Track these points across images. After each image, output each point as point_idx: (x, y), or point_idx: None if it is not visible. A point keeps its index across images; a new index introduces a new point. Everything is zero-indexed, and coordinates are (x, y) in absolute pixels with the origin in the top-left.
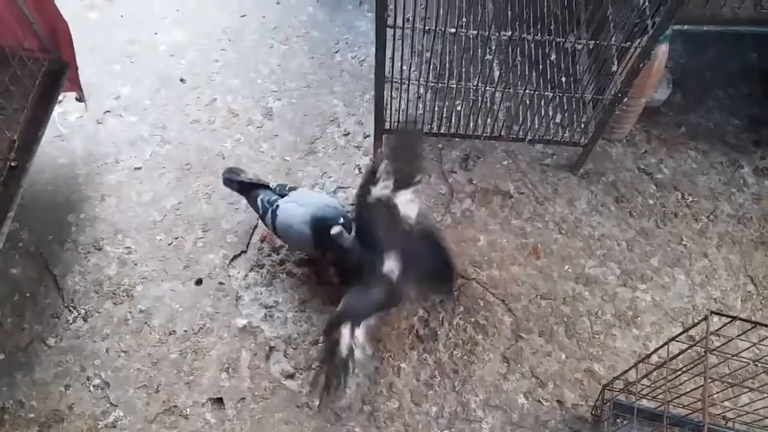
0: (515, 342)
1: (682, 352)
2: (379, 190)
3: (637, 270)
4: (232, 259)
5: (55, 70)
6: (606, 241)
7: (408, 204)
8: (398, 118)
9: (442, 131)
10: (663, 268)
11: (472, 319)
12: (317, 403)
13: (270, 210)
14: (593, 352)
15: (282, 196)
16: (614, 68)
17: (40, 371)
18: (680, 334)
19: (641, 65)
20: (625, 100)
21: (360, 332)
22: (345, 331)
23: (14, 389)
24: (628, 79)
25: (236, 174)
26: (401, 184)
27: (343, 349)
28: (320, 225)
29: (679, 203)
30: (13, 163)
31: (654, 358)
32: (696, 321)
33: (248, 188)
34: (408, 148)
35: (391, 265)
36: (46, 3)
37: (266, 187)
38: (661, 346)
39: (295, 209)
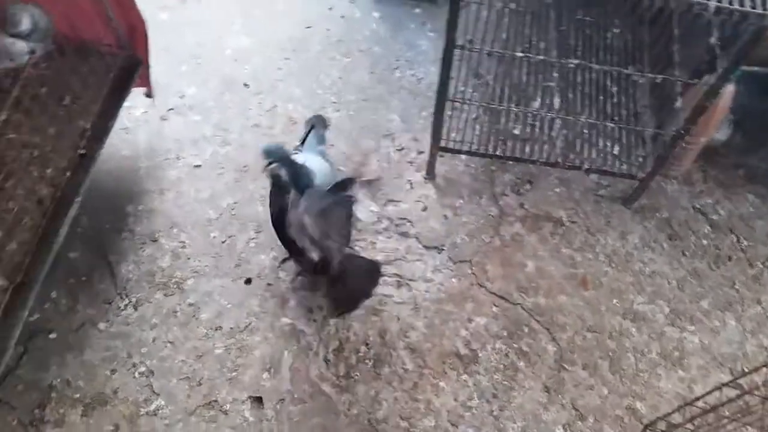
0: (557, 372)
1: (731, 399)
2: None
3: (687, 311)
4: (282, 262)
5: (128, 66)
6: (656, 278)
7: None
8: (455, 137)
9: (497, 153)
10: (713, 311)
11: (515, 345)
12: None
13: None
14: (636, 390)
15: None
16: (678, 104)
17: (89, 353)
18: (732, 381)
19: (708, 104)
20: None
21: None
22: None
23: (63, 368)
24: (693, 116)
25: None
26: None
27: None
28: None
29: (734, 246)
30: (82, 151)
31: (699, 403)
32: (745, 369)
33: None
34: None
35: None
36: (126, 3)
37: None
38: (711, 392)
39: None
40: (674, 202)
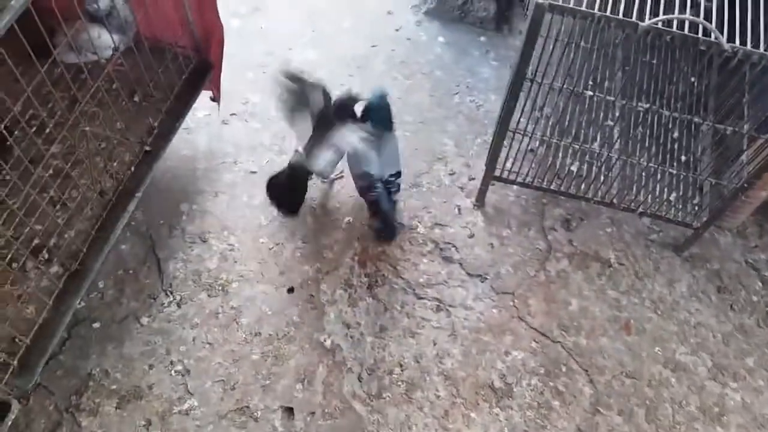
0: (592, 416)
1: None
2: None
3: (731, 366)
4: (325, 274)
5: (201, 69)
6: (701, 330)
7: None
8: (509, 167)
9: (551, 188)
10: (758, 369)
11: (551, 383)
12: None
13: None
14: None
15: None
16: (743, 158)
17: (129, 346)
18: None
19: None
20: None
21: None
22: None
23: (103, 358)
24: (759, 171)
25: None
26: None
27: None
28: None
29: None
30: (148, 148)
31: None
32: None
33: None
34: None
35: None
36: (207, 8)
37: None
38: None
39: None
40: (726, 255)
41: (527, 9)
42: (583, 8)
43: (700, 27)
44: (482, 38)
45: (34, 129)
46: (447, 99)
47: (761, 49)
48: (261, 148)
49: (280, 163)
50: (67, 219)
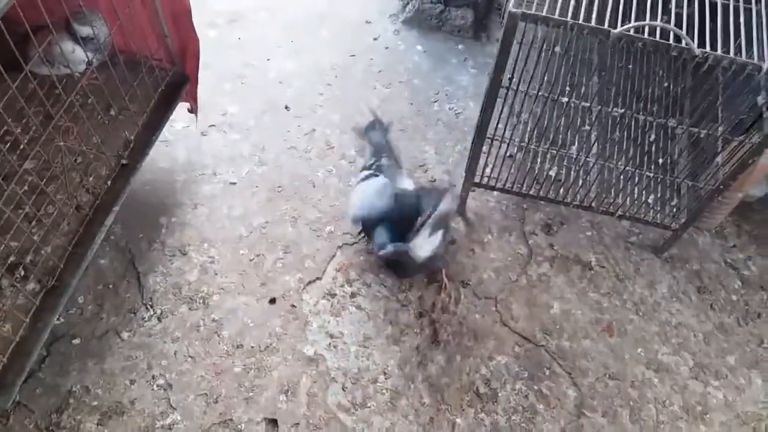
0: (577, 418)
1: None
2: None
3: (712, 365)
4: (307, 284)
5: (177, 81)
6: (683, 330)
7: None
8: (489, 173)
9: (531, 193)
10: (739, 368)
11: (535, 387)
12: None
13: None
14: None
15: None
16: (718, 159)
17: (110, 362)
18: None
19: (750, 161)
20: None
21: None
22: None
23: (84, 374)
24: (733, 172)
25: (379, 129)
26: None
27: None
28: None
29: (764, 304)
30: (125, 161)
31: None
32: None
33: (378, 147)
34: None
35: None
36: (183, 21)
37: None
38: None
39: (372, 198)
40: (705, 255)
41: (503, 17)
42: (556, 17)
43: (671, 33)
44: (460, 46)
45: (8, 145)
46: (426, 107)
47: (731, 54)
48: (240, 159)
49: (260, 174)
50: (43, 235)
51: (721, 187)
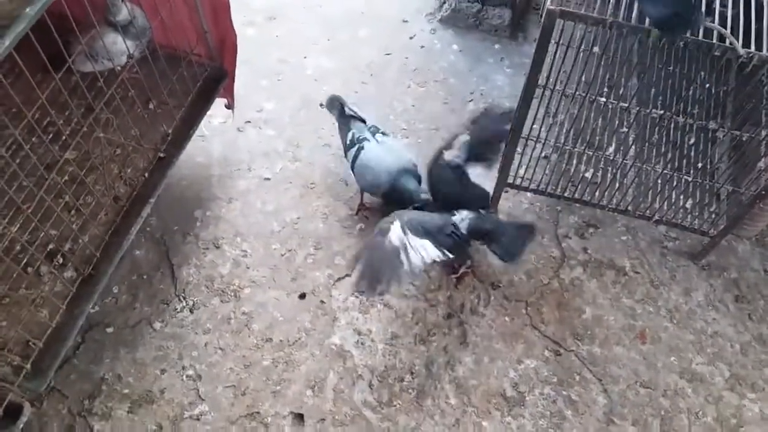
0: (606, 426)
1: None
2: (451, 156)
3: (749, 377)
4: (337, 281)
5: (215, 77)
6: (719, 340)
7: (478, 176)
8: (523, 174)
9: (565, 195)
10: None
11: (564, 393)
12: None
13: (356, 146)
14: None
15: (373, 134)
16: (761, 164)
17: (142, 351)
18: None
19: None
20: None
21: (414, 241)
22: (395, 226)
23: (116, 363)
24: None
25: (339, 102)
26: (477, 157)
27: (394, 239)
28: (399, 183)
29: None
30: (162, 155)
31: None
32: None
33: (346, 119)
34: (493, 129)
35: (463, 215)
36: (222, 17)
37: (362, 122)
38: None
39: (381, 156)
40: (744, 263)
41: (542, 14)
42: (595, 14)
43: (715, 32)
44: (497, 46)
45: (50, 136)
46: (460, 106)
47: None
48: (274, 155)
49: (294, 170)
50: (81, 224)
51: (764, 193)
